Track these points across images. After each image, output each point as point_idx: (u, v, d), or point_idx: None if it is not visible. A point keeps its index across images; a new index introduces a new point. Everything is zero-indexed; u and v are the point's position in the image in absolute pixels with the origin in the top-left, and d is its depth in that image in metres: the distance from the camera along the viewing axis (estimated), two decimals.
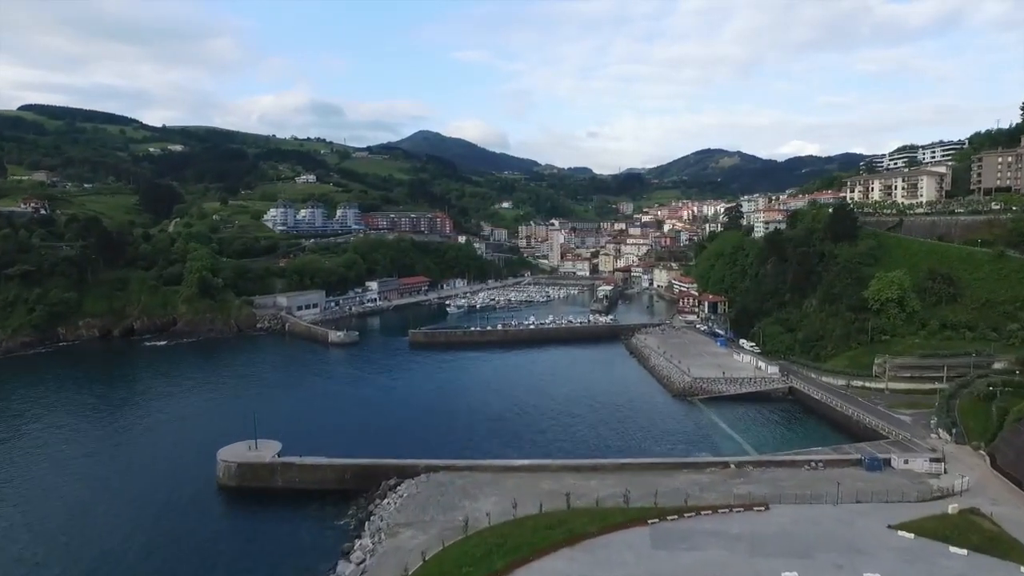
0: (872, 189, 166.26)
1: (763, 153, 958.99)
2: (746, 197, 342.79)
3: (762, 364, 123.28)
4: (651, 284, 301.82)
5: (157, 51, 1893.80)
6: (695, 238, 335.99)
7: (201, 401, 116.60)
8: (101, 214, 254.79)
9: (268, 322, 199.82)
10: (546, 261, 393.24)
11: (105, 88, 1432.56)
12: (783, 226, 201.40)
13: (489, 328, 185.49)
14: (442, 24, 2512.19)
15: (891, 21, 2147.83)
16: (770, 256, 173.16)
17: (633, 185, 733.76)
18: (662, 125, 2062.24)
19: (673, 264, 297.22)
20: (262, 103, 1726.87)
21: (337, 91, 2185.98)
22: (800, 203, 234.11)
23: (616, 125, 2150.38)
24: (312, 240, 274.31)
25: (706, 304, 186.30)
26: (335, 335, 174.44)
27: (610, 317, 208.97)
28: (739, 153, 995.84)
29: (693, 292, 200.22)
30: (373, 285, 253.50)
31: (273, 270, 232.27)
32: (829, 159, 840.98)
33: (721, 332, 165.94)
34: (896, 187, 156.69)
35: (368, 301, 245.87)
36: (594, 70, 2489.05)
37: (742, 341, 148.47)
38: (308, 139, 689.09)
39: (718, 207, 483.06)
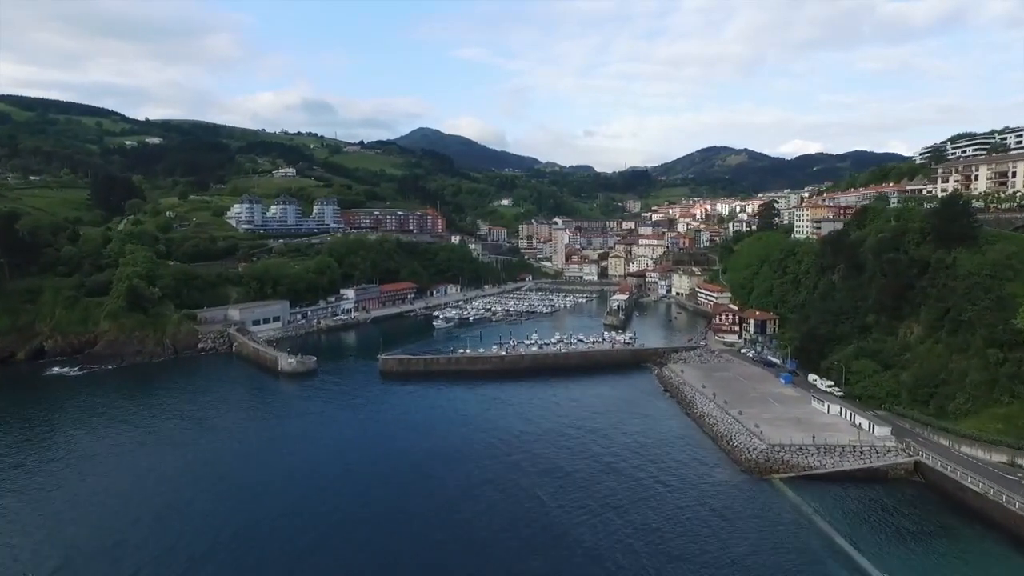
0: (975, 177, 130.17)
1: (766, 151, 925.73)
2: (777, 194, 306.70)
3: (862, 420, 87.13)
4: (669, 291, 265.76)
5: (156, 48, 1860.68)
6: (717, 239, 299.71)
7: (33, 493, 79.42)
8: (39, 210, 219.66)
9: (212, 341, 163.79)
10: (549, 264, 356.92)
11: (104, 86, 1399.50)
12: (839, 225, 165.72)
13: (482, 352, 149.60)
14: (442, 22, 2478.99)
15: (894, 19, 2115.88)
16: (835, 264, 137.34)
17: (639, 182, 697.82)
18: (663, 124, 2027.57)
19: (695, 268, 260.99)
20: (260, 100, 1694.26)
21: (336, 89, 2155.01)
22: (852, 198, 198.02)
23: (615, 124, 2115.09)
24: (280, 241, 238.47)
25: (752, 322, 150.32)
26: (286, 361, 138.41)
27: (629, 335, 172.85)
28: (746, 151, 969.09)
29: (731, 306, 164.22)
30: (349, 293, 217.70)
31: (227, 276, 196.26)
32: (841, 157, 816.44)
33: (776, 360, 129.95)
34: (1016, 173, 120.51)
35: (342, 312, 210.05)
36: (595, 68, 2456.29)
37: (813, 377, 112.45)
38: (298, 134, 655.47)
39: (733, 205, 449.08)
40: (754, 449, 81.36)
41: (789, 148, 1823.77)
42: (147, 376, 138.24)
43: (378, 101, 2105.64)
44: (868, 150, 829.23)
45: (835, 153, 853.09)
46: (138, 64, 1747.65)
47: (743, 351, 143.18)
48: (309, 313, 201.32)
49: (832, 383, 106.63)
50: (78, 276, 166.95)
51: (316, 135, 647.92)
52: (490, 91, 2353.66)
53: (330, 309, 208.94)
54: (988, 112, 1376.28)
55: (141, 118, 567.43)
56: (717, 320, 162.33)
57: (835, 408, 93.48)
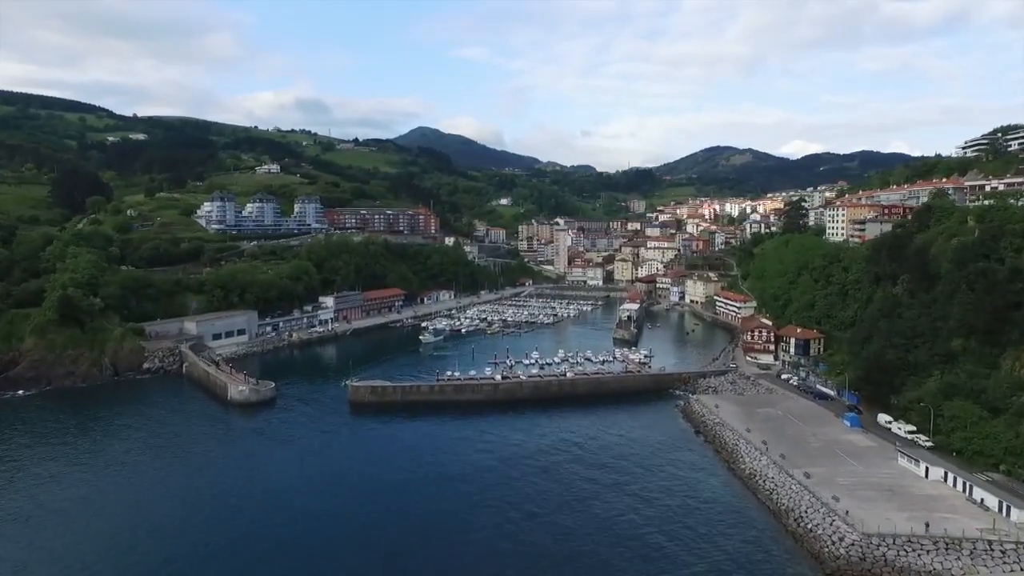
0: None
1: (769, 151, 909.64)
2: (803, 192, 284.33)
3: (983, 493, 63.91)
4: (682, 298, 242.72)
5: (154, 47, 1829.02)
6: (733, 241, 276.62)
7: None
8: None
9: (161, 360, 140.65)
10: (551, 267, 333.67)
11: (104, 85, 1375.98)
12: (886, 227, 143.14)
13: (473, 375, 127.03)
14: (443, 20, 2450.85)
15: (897, 19, 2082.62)
16: (896, 273, 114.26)
17: (643, 182, 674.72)
18: (663, 124, 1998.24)
19: (711, 274, 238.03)
20: (260, 100, 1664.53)
21: (335, 88, 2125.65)
22: (896, 195, 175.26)
23: (614, 124, 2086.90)
24: (254, 243, 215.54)
25: (792, 341, 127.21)
26: (237, 389, 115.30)
27: (644, 353, 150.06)
28: (750, 150, 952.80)
29: (764, 320, 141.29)
30: (328, 302, 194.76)
31: (187, 283, 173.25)
32: (848, 156, 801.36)
33: (829, 392, 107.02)
34: None
35: (319, 323, 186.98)
36: (595, 68, 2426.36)
37: (886, 420, 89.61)
38: (291, 131, 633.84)
39: (743, 205, 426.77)
40: (841, 540, 58.26)
41: (789, 149, 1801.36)
42: (71, 404, 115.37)
43: (377, 101, 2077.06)
44: (874, 150, 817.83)
45: (842, 153, 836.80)
46: (137, 63, 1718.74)
47: (784, 377, 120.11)
48: (281, 324, 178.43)
49: (914, 428, 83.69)
50: (4, 284, 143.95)
51: (309, 132, 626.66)
52: (490, 91, 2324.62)
53: (305, 320, 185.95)
54: (990, 113, 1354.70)
55: (130, 114, 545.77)
56: (748, 337, 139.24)
57: (936, 471, 70.26)
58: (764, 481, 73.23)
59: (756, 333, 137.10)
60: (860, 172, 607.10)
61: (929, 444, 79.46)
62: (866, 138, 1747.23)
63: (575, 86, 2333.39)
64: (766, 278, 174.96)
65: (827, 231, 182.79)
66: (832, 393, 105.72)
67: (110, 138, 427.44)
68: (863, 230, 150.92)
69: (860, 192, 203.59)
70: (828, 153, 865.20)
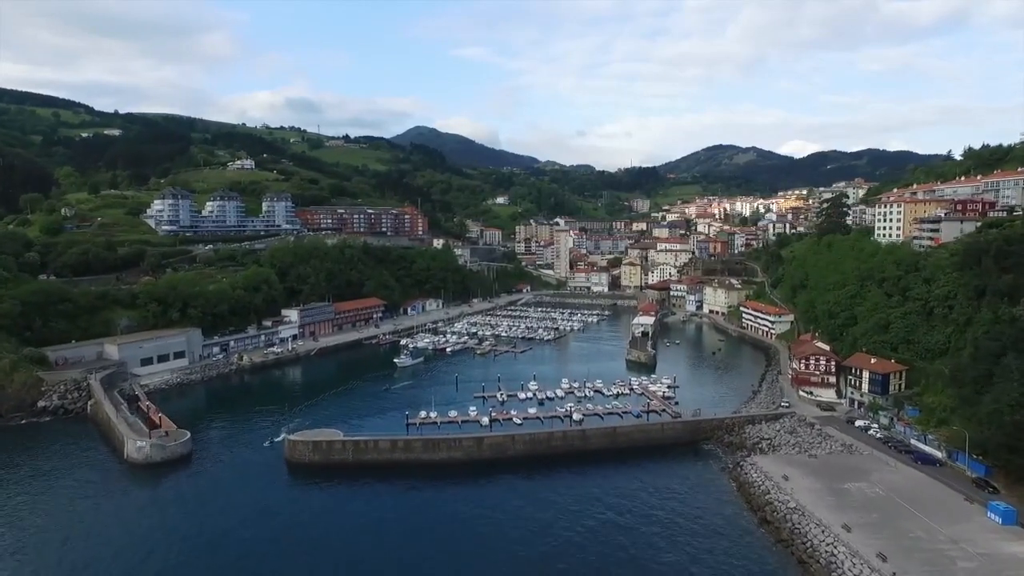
0: None
1: (773, 150, 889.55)
2: (826, 188, 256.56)
3: None
4: (700, 308, 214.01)
5: (150, 46, 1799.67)
6: (754, 243, 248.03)
7: None
8: None
9: (61, 396, 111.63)
10: (551, 272, 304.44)
11: (100, 85, 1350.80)
12: (967, 227, 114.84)
13: (454, 417, 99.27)
14: (442, 20, 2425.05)
15: (897, 19, 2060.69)
16: (1018, 288, 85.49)
17: (647, 180, 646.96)
18: (663, 124, 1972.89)
19: (733, 280, 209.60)
20: (256, 99, 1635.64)
21: (332, 88, 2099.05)
22: (967, 188, 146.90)
23: (613, 124, 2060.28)
24: (209, 247, 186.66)
25: (864, 374, 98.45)
26: (136, 445, 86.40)
27: (667, 381, 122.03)
28: (754, 149, 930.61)
29: (821, 345, 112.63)
30: (292, 315, 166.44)
31: (115, 296, 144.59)
32: (856, 155, 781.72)
33: (936, 453, 78.42)
34: None
35: (279, 342, 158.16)
36: (595, 68, 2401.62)
37: None
38: (280, 128, 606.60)
39: (755, 204, 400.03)
40: None
41: (788, 148, 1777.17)
42: None
43: (375, 100, 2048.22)
44: (878, 148, 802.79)
45: (848, 151, 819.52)
46: (133, 63, 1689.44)
47: (859, 424, 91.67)
48: (232, 344, 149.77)
49: None
50: None
51: (298, 129, 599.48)
52: (488, 91, 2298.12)
53: (263, 338, 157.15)
54: (991, 113, 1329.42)
55: (110, 111, 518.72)
56: (800, 366, 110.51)
57: None
58: None
59: (810, 361, 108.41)
60: (871, 170, 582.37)
61: None
62: (864, 138, 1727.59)
63: (575, 86, 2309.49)
64: (812, 288, 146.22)
65: (876, 231, 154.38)
66: (939, 455, 77.22)
67: (83, 134, 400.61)
68: (937, 231, 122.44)
69: (914, 186, 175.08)
70: (835, 151, 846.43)
